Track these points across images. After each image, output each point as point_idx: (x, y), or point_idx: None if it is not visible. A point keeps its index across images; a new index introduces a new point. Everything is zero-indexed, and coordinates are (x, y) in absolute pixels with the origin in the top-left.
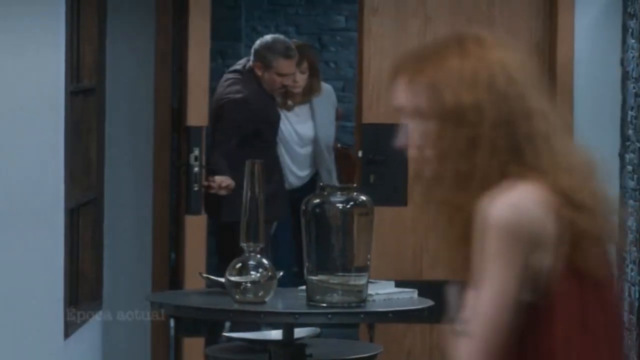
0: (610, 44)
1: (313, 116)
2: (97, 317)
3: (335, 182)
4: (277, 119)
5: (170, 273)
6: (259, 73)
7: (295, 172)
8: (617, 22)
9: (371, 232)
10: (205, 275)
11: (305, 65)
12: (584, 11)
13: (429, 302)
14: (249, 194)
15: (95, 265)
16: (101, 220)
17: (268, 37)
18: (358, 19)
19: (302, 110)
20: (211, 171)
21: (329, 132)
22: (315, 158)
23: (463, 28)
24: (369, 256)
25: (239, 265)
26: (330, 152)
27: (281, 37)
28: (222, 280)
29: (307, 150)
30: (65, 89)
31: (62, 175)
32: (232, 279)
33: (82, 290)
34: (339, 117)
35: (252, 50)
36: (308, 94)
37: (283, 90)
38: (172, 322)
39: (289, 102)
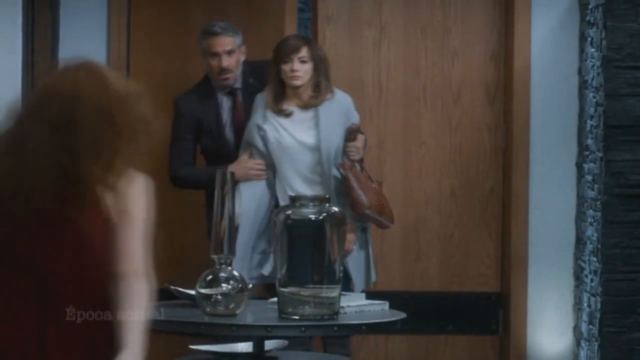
0: (567, 52)
1: (317, 124)
2: None
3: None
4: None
5: None
6: (205, 68)
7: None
8: (574, 30)
9: (343, 243)
10: (173, 287)
11: (304, 54)
12: (540, 20)
13: (401, 314)
14: (218, 205)
15: None
16: None
17: None
18: (312, 27)
19: (306, 116)
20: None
21: (332, 142)
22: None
23: (418, 38)
24: (341, 268)
25: (210, 277)
26: (330, 165)
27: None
28: (191, 292)
29: (315, 167)
30: (22, 102)
31: None
32: (203, 291)
33: None
34: (352, 134)
35: None
36: (315, 97)
37: (225, 77)
38: None
39: (284, 107)
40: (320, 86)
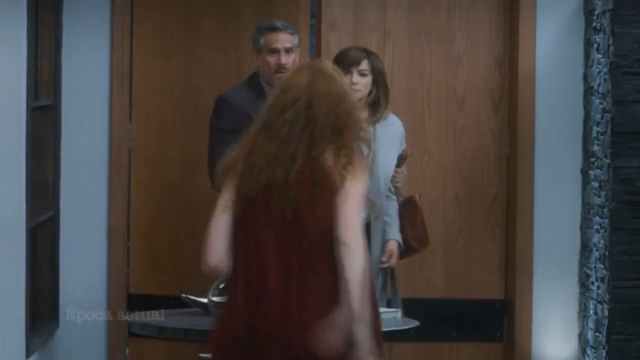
0: (572, 58)
1: (374, 141)
2: (58, 336)
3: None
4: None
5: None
6: (257, 63)
7: None
8: (579, 36)
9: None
10: (184, 295)
11: (365, 67)
12: (545, 26)
13: (414, 322)
14: None
15: (52, 284)
16: (57, 239)
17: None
18: (316, 34)
19: None
20: None
21: (388, 164)
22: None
23: (422, 43)
24: None
25: (222, 285)
26: (386, 185)
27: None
28: (202, 300)
29: None
30: (27, 106)
31: (23, 194)
32: (215, 299)
33: (41, 309)
34: (402, 160)
35: None
36: (372, 113)
37: (282, 75)
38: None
39: None
40: (378, 103)
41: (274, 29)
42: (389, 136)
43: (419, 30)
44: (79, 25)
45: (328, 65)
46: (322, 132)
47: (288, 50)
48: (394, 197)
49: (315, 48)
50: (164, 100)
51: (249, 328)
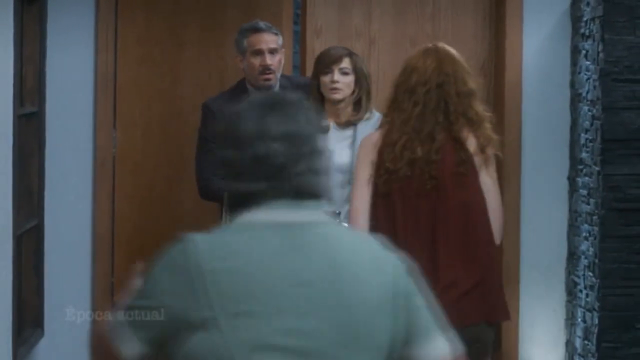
0: (558, 65)
1: (354, 143)
2: (42, 345)
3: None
4: None
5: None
6: (242, 67)
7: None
8: (565, 44)
9: None
10: None
11: (346, 65)
12: (531, 32)
13: None
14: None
15: (36, 293)
16: (42, 247)
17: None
18: (300, 40)
19: (342, 135)
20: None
21: None
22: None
23: (407, 50)
24: None
25: None
26: None
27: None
28: None
29: (346, 187)
30: (13, 113)
31: (10, 202)
32: None
33: (25, 318)
34: None
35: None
36: (354, 113)
37: (267, 77)
38: None
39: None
40: (361, 103)
41: (257, 30)
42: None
43: (404, 36)
44: (63, 33)
45: (449, 47)
46: (456, 111)
47: (272, 51)
48: None
49: (300, 54)
50: (149, 108)
51: None
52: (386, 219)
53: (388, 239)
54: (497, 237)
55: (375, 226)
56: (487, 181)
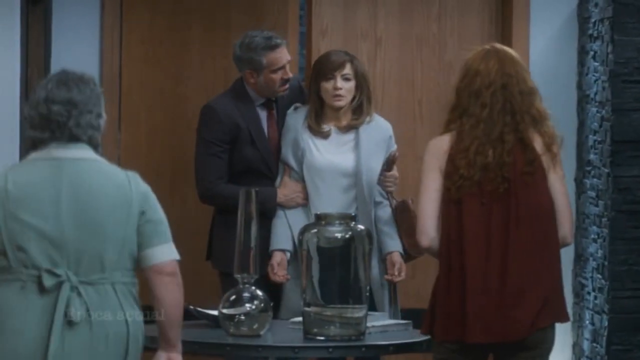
0: (565, 66)
1: (357, 146)
2: None
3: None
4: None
5: None
6: (253, 81)
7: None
8: (572, 45)
9: (370, 262)
10: (193, 307)
11: (348, 71)
12: (538, 33)
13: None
14: (242, 224)
15: None
16: None
17: (243, 39)
18: (306, 40)
19: (344, 138)
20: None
21: (372, 168)
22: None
23: (413, 50)
24: (368, 287)
25: (233, 297)
26: (370, 190)
27: (254, 31)
28: (212, 313)
29: (350, 192)
30: (20, 114)
31: None
32: (226, 311)
33: None
34: (391, 164)
35: (235, 60)
36: (355, 117)
37: (286, 88)
38: None
39: (324, 127)
40: (362, 107)
41: (275, 47)
42: (372, 139)
43: (410, 36)
44: (68, 33)
45: (506, 47)
46: (520, 111)
47: (289, 62)
48: (386, 202)
49: (306, 56)
50: (154, 109)
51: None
52: (456, 226)
53: (455, 245)
54: (569, 237)
55: (445, 234)
56: (556, 180)
